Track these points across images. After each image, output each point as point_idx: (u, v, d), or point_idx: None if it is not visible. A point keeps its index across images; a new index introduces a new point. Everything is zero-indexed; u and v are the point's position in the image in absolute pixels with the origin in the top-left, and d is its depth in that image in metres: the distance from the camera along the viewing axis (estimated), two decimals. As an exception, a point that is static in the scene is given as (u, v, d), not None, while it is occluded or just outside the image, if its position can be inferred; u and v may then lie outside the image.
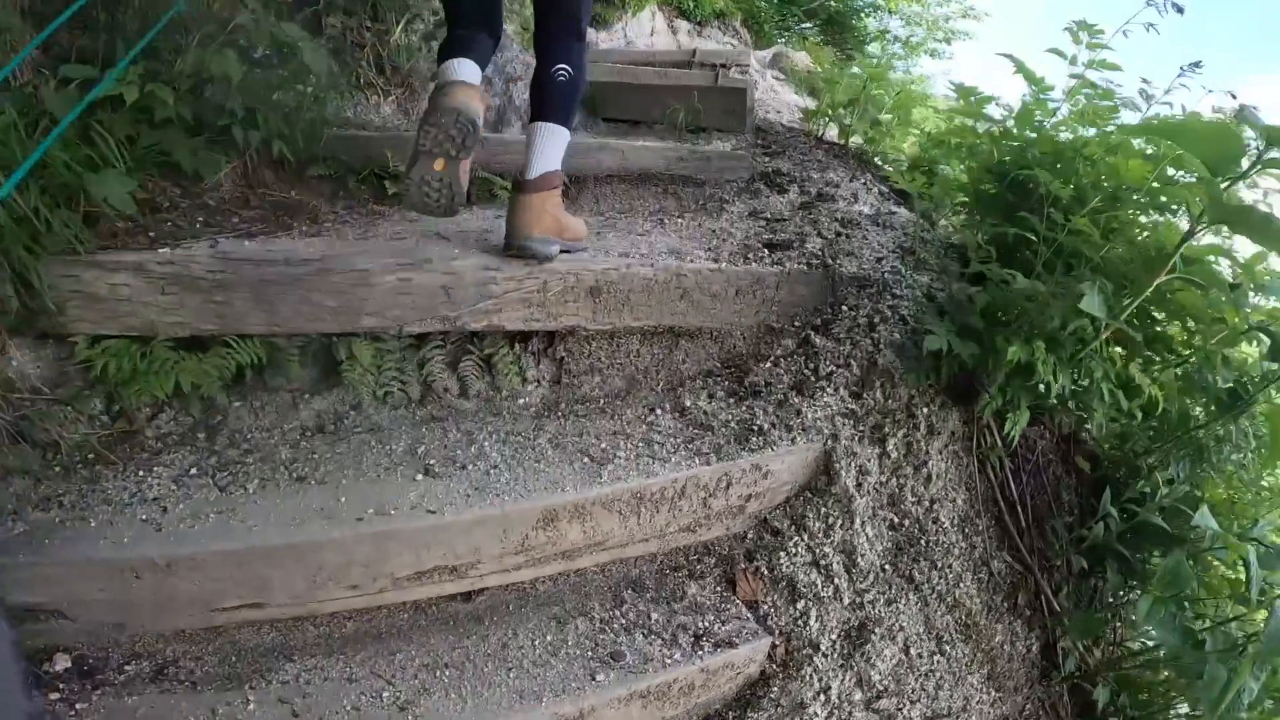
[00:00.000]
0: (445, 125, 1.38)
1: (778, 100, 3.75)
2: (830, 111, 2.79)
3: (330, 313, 1.39)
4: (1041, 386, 1.53)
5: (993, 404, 1.57)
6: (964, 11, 6.87)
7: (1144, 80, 1.59)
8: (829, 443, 1.61)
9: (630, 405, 1.64)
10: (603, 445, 1.46)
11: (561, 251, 1.59)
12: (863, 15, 6.75)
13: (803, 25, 6.31)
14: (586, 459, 1.41)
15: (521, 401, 1.60)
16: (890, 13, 6.87)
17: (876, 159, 2.71)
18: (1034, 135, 1.68)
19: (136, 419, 1.41)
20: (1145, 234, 1.49)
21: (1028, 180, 1.65)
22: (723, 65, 4.02)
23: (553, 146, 1.51)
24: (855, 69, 2.77)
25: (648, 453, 1.46)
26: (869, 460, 1.66)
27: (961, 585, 1.74)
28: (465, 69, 1.45)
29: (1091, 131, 1.70)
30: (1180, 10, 1.53)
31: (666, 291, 1.63)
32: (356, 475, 1.33)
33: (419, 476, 1.33)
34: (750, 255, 1.79)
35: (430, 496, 1.27)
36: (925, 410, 1.72)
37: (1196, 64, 1.51)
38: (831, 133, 2.91)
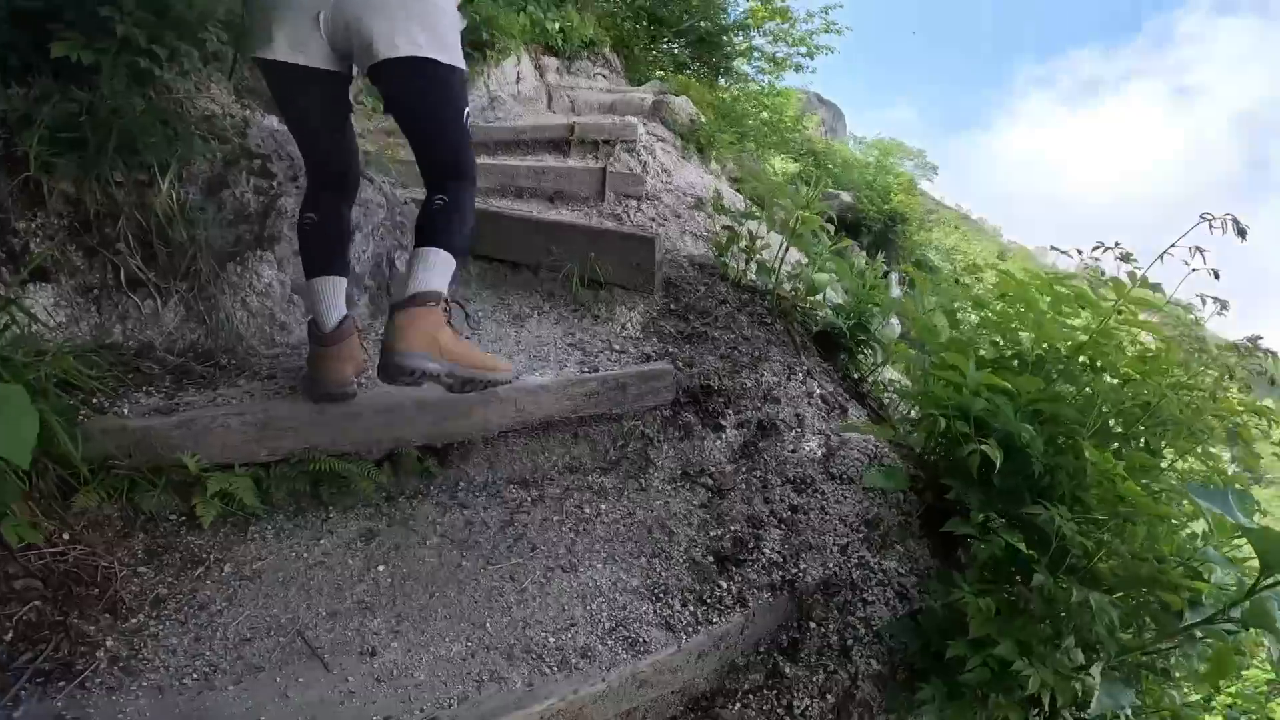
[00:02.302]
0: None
1: (671, 185, 3.34)
2: (749, 252, 2.44)
3: None
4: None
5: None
6: (826, 26, 6.81)
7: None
8: (809, 785, 1.37)
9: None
10: None
11: (465, 382, 1.49)
12: (731, 33, 6.43)
13: (672, 46, 5.86)
14: None
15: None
16: (756, 30, 6.63)
17: (803, 306, 2.42)
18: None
19: None
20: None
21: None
22: (605, 142, 3.53)
23: (430, 270, 1.40)
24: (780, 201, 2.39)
25: None
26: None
27: None
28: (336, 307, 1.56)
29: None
30: (1243, 235, 1.38)
31: (624, 692, 1.25)
32: None
33: None
34: (705, 594, 1.44)
35: None
36: (900, 729, 1.53)
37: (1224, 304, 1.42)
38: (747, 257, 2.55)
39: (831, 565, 1.60)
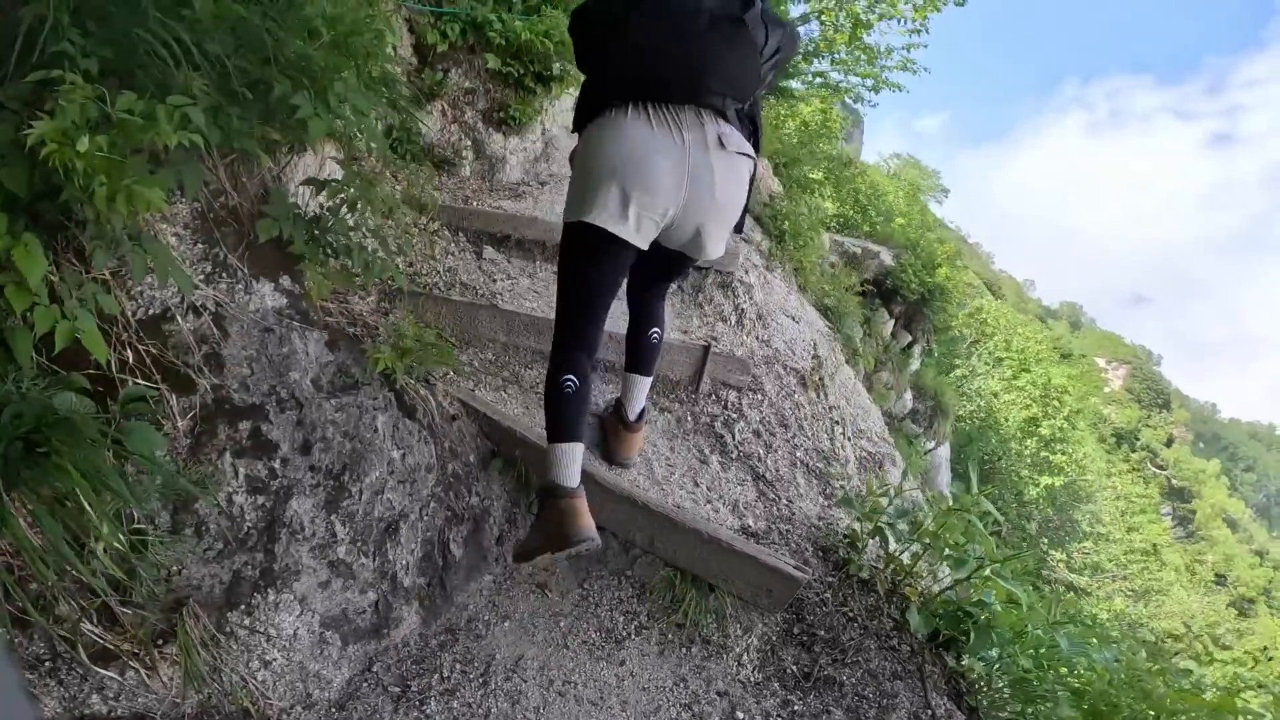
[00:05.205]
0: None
1: (769, 346, 2.65)
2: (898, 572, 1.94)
3: None
4: None
5: None
6: (903, 64, 6.07)
7: None
8: None
9: None
10: None
11: None
12: (803, 53, 5.62)
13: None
14: None
15: None
16: (825, 55, 5.83)
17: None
18: None
19: None
20: None
21: None
22: (698, 268, 2.87)
23: (645, 394, 1.90)
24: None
25: None
26: None
27: None
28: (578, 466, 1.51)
29: None
30: None
31: None
32: None
33: None
34: None
35: None
36: None
37: None
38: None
39: None
